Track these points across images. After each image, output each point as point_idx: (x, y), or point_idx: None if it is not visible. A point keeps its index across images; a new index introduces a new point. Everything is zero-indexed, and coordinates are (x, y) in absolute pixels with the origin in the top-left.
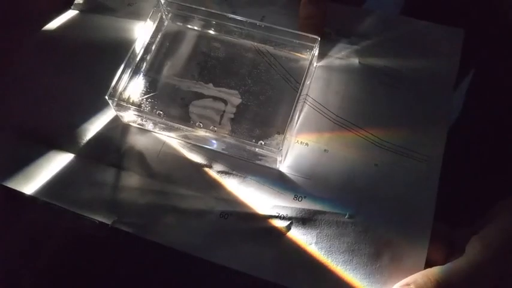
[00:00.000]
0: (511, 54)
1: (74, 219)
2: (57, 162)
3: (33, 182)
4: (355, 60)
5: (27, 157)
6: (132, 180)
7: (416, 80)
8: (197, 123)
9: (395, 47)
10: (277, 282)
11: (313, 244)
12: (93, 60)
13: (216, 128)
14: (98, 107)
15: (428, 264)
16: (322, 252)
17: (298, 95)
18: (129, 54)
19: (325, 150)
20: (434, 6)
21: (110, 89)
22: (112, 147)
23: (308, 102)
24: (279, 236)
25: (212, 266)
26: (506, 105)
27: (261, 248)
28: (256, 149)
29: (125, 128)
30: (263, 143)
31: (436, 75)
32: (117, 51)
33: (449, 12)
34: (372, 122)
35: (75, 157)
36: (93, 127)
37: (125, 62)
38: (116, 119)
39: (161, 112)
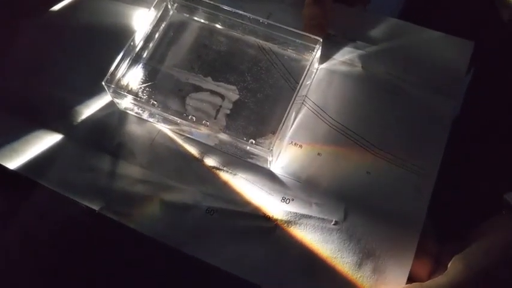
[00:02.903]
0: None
1: (61, 203)
2: (47, 141)
3: (19, 157)
4: (359, 65)
5: (17, 133)
6: (122, 167)
7: (419, 91)
8: (190, 117)
9: (401, 55)
10: (255, 282)
11: (296, 248)
12: (95, 44)
13: (208, 123)
14: (96, 91)
15: (411, 280)
16: (304, 257)
17: (294, 95)
18: (129, 42)
19: (318, 153)
20: (433, 7)
21: (108, 75)
22: (106, 133)
23: (307, 105)
24: (262, 237)
25: (195, 260)
26: (507, 111)
27: (243, 247)
28: (247, 147)
29: (122, 115)
30: (254, 141)
31: (439, 87)
32: (120, 37)
33: (449, 13)
34: (369, 129)
35: (65, 138)
36: (89, 111)
37: (124, 49)
38: (113, 105)
39: (155, 102)
